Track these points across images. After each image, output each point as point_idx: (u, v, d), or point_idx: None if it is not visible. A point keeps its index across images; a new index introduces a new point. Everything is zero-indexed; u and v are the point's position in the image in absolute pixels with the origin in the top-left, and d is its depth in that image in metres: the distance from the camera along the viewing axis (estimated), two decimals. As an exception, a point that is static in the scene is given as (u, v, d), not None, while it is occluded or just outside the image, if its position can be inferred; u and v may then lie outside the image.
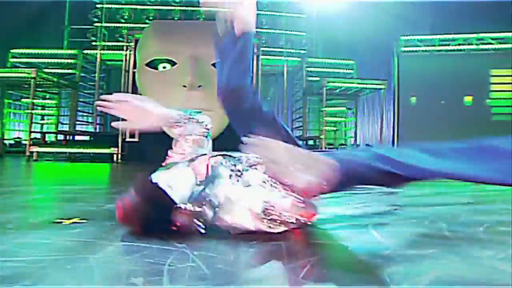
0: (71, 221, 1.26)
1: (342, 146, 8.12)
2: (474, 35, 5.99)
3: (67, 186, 2.81)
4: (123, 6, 7.78)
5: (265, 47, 7.77)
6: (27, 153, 5.26)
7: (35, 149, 5.25)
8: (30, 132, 5.54)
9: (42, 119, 7.41)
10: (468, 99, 5.38)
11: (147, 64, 5.24)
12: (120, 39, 7.46)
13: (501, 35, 5.88)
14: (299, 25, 8.45)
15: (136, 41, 5.85)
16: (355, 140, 7.53)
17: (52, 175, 3.68)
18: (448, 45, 6.11)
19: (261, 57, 6.45)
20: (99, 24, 7.80)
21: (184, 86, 4.90)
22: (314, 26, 8.61)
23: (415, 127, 6.03)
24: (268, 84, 8.40)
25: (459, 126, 5.57)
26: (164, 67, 5.23)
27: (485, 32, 5.96)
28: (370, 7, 8.81)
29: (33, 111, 5.87)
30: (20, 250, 0.92)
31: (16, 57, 7.02)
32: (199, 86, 4.89)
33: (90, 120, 7.58)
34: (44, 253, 0.89)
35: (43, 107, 7.35)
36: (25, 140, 6.61)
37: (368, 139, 8.73)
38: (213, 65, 5.26)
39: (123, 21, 7.91)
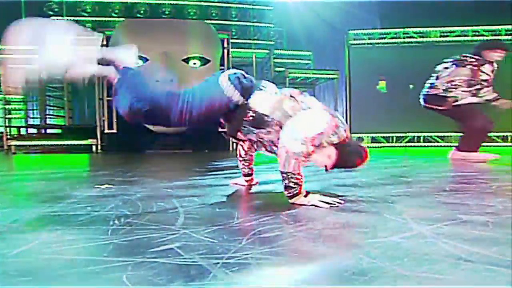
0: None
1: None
2: (416, 29, 6.99)
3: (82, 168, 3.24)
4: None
5: (235, 38, 8.26)
6: (5, 147, 5.44)
7: (13, 142, 5.44)
8: (6, 126, 5.69)
9: (9, 113, 7.40)
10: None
11: None
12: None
13: (443, 29, 6.93)
14: (266, 17, 9.03)
15: (108, 38, 6.06)
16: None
17: (50, 165, 4.02)
18: (391, 37, 7.03)
19: (231, 50, 6.89)
20: (56, 18, 7.82)
21: (157, 81, 5.11)
22: (280, 19, 9.24)
23: (364, 110, 6.92)
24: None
25: (401, 108, 6.48)
26: (137, 64, 5.54)
27: (427, 27, 6.98)
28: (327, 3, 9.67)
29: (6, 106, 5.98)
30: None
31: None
32: (171, 80, 5.22)
33: (61, 113, 7.68)
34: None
35: (8, 102, 7.35)
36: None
37: None
38: (184, 60, 5.73)
39: (85, 14, 7.97)
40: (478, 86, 3.47)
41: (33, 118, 7.24)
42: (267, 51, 8.39)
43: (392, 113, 6.72)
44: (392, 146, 6.90)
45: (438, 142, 6.83)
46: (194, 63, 5.74)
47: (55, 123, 7.60)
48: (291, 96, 1.60)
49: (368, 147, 6.13)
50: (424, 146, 6.85)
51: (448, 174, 2.69)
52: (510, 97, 3.61)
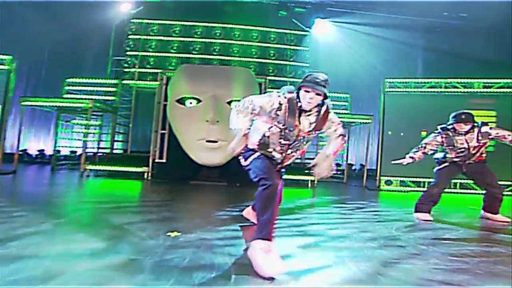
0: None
1: (338, 166, 9.40)
2: (444, 80, 7.18)
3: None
4: (151, 54, 9.37)
5: (272, 75, 9.14)
6: (82, 170, 6.77)
7: (88, 166, 6.77)
8: (86, 153, 7.06)
9: (86, 136, 8.94)
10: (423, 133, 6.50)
11: (177, 101, 6.37)
12: (149, 70, 9.09)
13: (466, 81, 7.07)
14: (303, 56, 9.83)
15: (167, 79, 7.17)
16: (347, 160, 8.83)
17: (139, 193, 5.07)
18: (423, 87, 7.26)
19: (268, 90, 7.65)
20: (131, 53, 9.41)
21: (207, 121, 5.90)
22: (316, 59, 9.96)
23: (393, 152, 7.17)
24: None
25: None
26: (190, 103, 6.31)
27: (453, 78, 7.18)
28: (366, 47, 10.19)
29: (85, 131, 7.40)
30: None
31: (70, 85, 8.58)
32: (217, 121, 5.89)
33: (122, 139, 9.09)
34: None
35: (87, 127, 8.89)
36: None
37: (357, 160, 10.18)
38: (228, 103, 6.50)
39: (149, 66, 9.49)
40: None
41: (104, 141, 8.70)
42: None
43: (425, 159, 6.87)
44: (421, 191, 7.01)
45: (475, 189, 6.76)
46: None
47: (119, 148, 9.03)
48: None
49: (396, 190, 6.45)
50: (460, 192, 6.91)
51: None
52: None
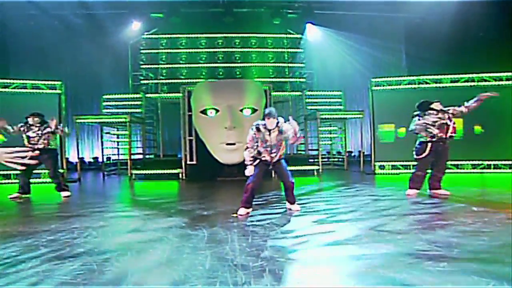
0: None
1: (339, 154, 10.92)
2: (422, 77, 8.58)
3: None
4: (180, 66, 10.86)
5: (273, 77, 10.52)
6: (129, 174, 8.20)
7: (134, 171, 8.19)
8: (130, 159, 8.46)
9: (118, 145, 10.34)
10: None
11: (201, 112, 7.67)
12: (166, 81, 10.40)
13: (437, 77, 8.48)
14: (299, 58, 11.16)
15: (189, 92, 8.47)
16: (345, 148, 10.31)
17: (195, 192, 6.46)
18: (406, 83, 8.64)
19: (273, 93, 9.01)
20: (145, 66, 10.74)
21: (225, 128, 7.20)
22: (309, 60, 11.31)
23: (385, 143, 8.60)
24: (277, 109, 11.25)
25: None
26: (211, 113, 7.60)
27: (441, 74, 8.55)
28: (353, 47, 11.51)
29: (124, 140, 8.79)
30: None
31: (106, 101, 9.98)
32: (234, 127, 7.19)
33: (152, 145, 10.51)
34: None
35: (118, 136, 10.28)
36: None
37: (355, 148, 11.74)
38: (240, 110, 7.80)
39: (182, 76, 10.79)
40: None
41: (138, 148, 10.12)
42: (300, 93, 10.49)
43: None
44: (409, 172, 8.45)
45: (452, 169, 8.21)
46: (247, 113, 7.65)
47: (151, 153, 10.44)
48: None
49: (389, 173, 7.96)
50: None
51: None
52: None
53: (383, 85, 8.77)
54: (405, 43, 12.14)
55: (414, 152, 5.33)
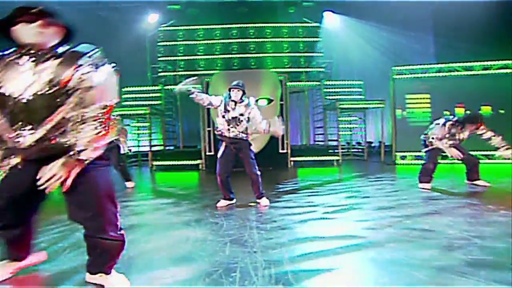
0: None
1: (359, 144, 10.73)
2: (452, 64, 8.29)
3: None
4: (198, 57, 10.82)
5: (288, 67, 10.32)
6: (150, 165, 8.38)
7: (155, 162, 8.35)
8: (151, 151, 8.64)
9: (138, 137, 10.54)
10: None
11: None
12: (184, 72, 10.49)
13: (469, 65, 8.12)
14: (316, 48, 10.91)
15: (207, 84, 8.53)
16: (366, 139, 10.13)
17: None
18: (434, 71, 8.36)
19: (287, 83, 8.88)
20: (163, 58, 10.81)
21: None
22: (329, 49, 11.04)
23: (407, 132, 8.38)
24: (292, 101, 11.01)
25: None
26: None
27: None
28: (375, 34, 11.15)
29: (144, 132, 8.95)
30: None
31: (125, 94, 10.16)
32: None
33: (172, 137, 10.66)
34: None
35: (138, 128, 10.48)
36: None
37: (375, 138, 11.46)
38: (256, 101, 7.83)
39: (200, 68, 10.84)
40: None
41: (157, 139, 10.29)
42: (318, 83, 10.28)
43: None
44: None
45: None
46: (262, 103, 7.74)
47: (171, 144, 10.60)
48: None
49: (412, 164, 7.72)
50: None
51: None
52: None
53: (405, 74, 8.51)
54: (434, 29, 11.60)
55: (422, 144, 5.16)
